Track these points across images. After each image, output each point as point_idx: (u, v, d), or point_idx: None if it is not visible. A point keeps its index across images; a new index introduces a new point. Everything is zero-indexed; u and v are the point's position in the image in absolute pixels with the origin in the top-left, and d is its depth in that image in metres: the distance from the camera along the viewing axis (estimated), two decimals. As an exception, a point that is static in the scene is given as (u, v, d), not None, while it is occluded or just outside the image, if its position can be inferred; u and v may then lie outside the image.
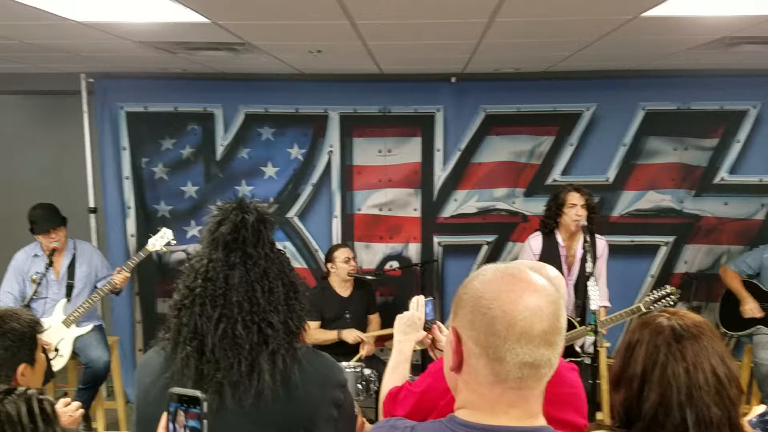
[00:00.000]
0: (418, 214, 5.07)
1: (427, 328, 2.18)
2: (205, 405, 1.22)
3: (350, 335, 4.30)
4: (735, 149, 4.86)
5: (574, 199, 4.02)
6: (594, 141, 4.91)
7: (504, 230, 5.05)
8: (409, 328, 2.16)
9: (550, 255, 3.99)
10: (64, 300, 4.15)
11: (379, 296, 4.93)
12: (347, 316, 4.43)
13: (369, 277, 4.57)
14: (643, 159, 4.91)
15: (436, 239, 5.09)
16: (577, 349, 3.86)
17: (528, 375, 1.11)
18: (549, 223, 4.14)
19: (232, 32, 3.22)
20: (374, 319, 4.63)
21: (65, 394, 4.09)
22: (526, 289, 1.13)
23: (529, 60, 4.28)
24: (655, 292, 3.60)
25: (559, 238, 4.12)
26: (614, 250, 4.31)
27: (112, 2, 2.66)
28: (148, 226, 4.86)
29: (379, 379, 3.32)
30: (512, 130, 4.95)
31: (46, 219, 4.07)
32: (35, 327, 2.10)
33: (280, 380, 1.52)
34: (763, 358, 4.20)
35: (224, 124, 5.00)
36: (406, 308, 2.20)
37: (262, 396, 1.51)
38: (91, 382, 4.13)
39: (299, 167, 5.03)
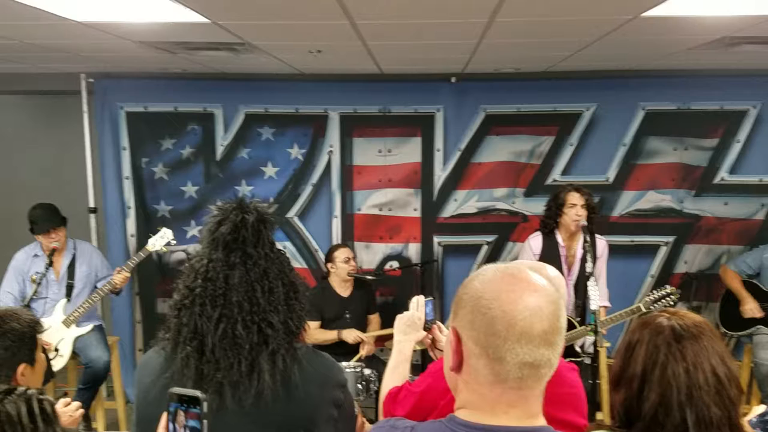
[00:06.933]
0: (418, 214, 5.07)
1: (427, 328, 2.18)
2: (205, 405, 1.22)
3: (350, 335, 4.30)
4: (735, 149, 4.86)
5: (574, 199, 4.02)
6: (594, 141, 4.91)
7: (504, 230, 5.05)
8: (409, 328, 2.16)
9: (550, 255, 3.99)
10: (64, 300, 4.15)
11: (379, 296, 4.93)
12: (347, 316, 4.43)
13: (369, 277, 4.57)
14: (643, 159, 4.91)
15: (436, 239, 5.08)
16: (577, 349, 3.86)
17: (528, 375, 1.11)
18: (549, 223, 4.14)
19: (232, 32, 3.22)
20: (374, 319, 4.63)
21: (65, 394, 4.09)
22: (526, 289, 1.13)
23: (529, 60, 4.28)
24: (655, 292, 3.60)
25: (559, 238, 4.12)
26: (614, 250, 4.30)
27: (112, 2, 2.66)
28: (148, 226, 4.86)
29: (379, 379, 3.32)
30: (512, 130, 4.95)
31: (46, 219, 4.07)
32: (35, 327, 2.11)
33: (280, 380, 1.52)
34: (763, 358, 4.20)
35: (224, 124, 5.00)
36: (406, 308, 2.20)
37: (262, 396, 1.51)
38: (91, 382, 4.13)
39: (299, 167, 5.03)
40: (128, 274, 4.16)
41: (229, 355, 1.51)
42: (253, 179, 5.04)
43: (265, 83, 4.90)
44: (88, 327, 4.18)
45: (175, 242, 4.27)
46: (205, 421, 1.21)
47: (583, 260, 3.74)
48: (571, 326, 3.69)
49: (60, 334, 4.05)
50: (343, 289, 4.49)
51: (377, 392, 3.25)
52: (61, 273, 4.21)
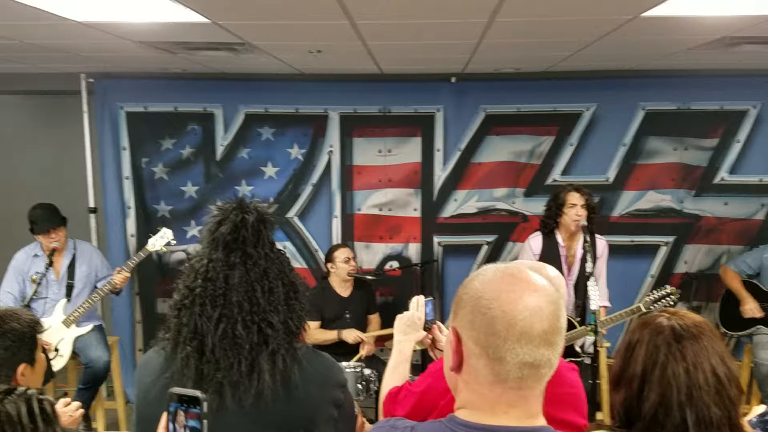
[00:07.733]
0: (418, 214, 5.07)
1: (427, 328, 2.18)
2: (205, 405, 1.22)
3: (350, 335, 4.30)
4: (735, 149, 4.86)
5: (574, 199, 4.02)
6: (594, 141, 4.91)
7: (504, 230, 5.05)
8: (409, 328, 2.16)
9: (550, 255, 3.99)
10: (64, 300, 4.15)
11: (379, 296, 4.93)
12: (347, 316, 4.43)
13: (369, 277, 4.57)
14: (643, 159, 4.91)
15: (436, 239, 5.08)
16: (577, 349, 3.86)
17: (528, 375, 1.11)
18: (549, 223, 4.14)
19: (232, 32, 3.22)
20: (374, 319, 4.63)
21: (65, 394, 4.09)
22: (526, 289, 1.13)
23: (529, 60, 4.28)
24: (655, 292, 3.60)
25: (559, 238, 4.12)
26: (614, 250, 4.30)
27: (112, 2, 2.66)
28: (148, 226, 4.86)
29: (379, 379, 3.32)
30: (512, 130, 4.95)
31: (46, 219, 4.07)
32: (35, 327, 2.10)
33: (280, 380, 1.52)
34: (763, 358, 4.20)
35: (224, 124, 5.00)
36: (406, 308, 2.20)
37: (262, 396, 1.51)
38: (91, 382, 4.13)
39: (299, 167, 5.03)
40: (128, 274, 4.16)
41: (229, 355, 1.51)
42: (253, 179, 5.04)
43: (265, 83, 4.90)
44: (88, 327, 4.18)
45: (175, 242, 4.27)
46: (205, 421, 1.21)
47: (583, 260, 3.74)
48: (571, 326, 3.69)
49: (60, 334, 4.05)
50: (343, 289, 4.49)
51: (377, 392, 3.25)
52: (61, 273, 4.21)
